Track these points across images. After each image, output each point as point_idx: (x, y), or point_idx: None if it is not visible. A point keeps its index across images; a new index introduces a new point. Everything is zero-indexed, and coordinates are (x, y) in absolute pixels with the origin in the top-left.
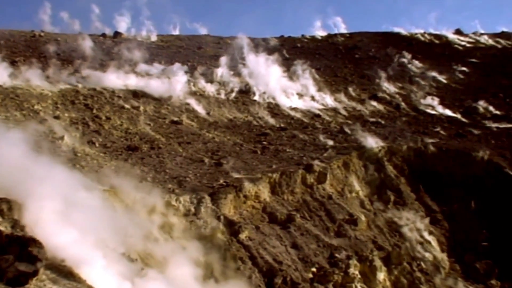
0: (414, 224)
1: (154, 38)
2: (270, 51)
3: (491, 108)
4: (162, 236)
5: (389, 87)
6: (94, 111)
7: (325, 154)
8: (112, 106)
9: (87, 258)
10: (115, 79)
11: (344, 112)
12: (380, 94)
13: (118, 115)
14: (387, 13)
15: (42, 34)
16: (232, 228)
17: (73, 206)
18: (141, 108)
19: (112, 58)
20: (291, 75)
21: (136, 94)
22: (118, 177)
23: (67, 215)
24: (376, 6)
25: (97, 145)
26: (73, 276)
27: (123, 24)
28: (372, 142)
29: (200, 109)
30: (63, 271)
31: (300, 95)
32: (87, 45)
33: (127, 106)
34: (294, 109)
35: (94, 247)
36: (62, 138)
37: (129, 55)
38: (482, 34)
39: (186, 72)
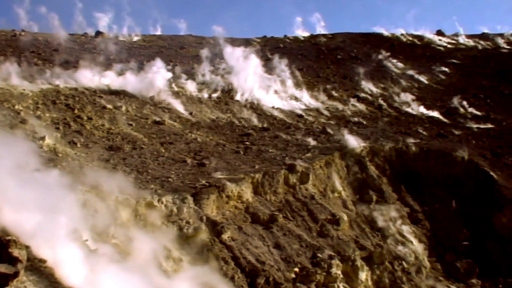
0: (396, 224)
1: (136, 38)
2: (252, 51)
3: (471, 108)
4: (144, 236)
5: (371, 88)
6: (76, 111)
7: (307, 154)
8: (94, 106)
9: (66, 257)
10: (97, 79)
11: (326, 113)
12: (362, 95)
13: (99, 115)
14: (366, 12)
15: (22, 33)
16: (215, 228)
17: (53, 207)
18: (123, 108)
19: (94, 58)
20: (274, 76)
21: (118, 94)
22: (99, 178)
23: (47, 216)
24: (355, 5)
25: (78, 145)
26: (54, 277)
27: (103, 21)
28: (354, 142)
29: (182, 109)
30: (44, 273)
31: (283, 96)
32: (68, 44)
33: (109, 106)
34: (277, 109)
35: (74, 247)
36: (43, 138)
37: (110, 55)
38: (462, 35)
39: (168, 72)
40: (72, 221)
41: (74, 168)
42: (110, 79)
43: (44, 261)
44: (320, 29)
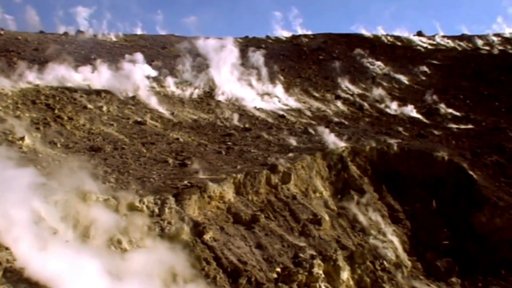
0: (377, 224)
1: (117, 37)
2: (234, 51)
3: (450, 109)
4: (125, 237)
5: (353, 88)
6: (56, 111)
7: (289, 155)
8: (75, 106)
9: (46, 258)
10: (77, 79)
11: (308, 113)
12: (344, 95)
13: (80, 115)
14: (344, 9)
15: (2, 32)
16: (197, 229)
17: (33, 208)
18: (104, 108)
19: (74, 57)
20: (255, 76)
21: (99, 94)
22: (80, 178)
23: (27, 216)
24: (332, 2)
25: (59, 145)
26: (33, 280)
27: (83, 14)
28: (335, 142)
29: (164, 109)
30: (22, 275)
31: (265, 96)
32: (48, 44)
33: (89, 106)
34: (259, 109)
35: (55, 248)
36: (22, 138)
37: (91, 54)
38: (441, 36)
39: (150, 72)
40: (53, 222)
41: (55, 168)
42: (91, 79)
43: (23, 263)
44: (299, 29)
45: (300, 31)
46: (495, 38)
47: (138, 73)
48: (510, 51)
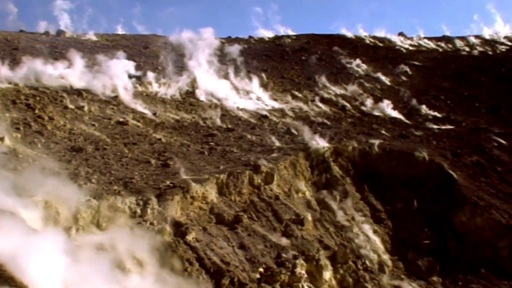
0: (359, 223)
1: (99, 37)
2: (217, 51)
3: (431, 110)
4: (107, 238)
5: (335, 89)
6: (37, 111)
7: (272, 155)
8: (55, 106)
9: (27, 260)
10: (58, 79)
11: (290, 113)
12: (326, 96)
13: (61, 115)
14: (323, 6)
15: None
16: (179, 229)
17: (14, 209)
18: (86, 108)
19: (56, 57)
20: (239, 76)
21: (80, 94)
22: (61, 179)
23: (7, 218)
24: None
25: (39, 146)
26: (15, 281)
27: (64, 16)
28: (318, 142)
29: (146, 109)
30: (3, 276)
31: (248, 96)
32: (29, 43)
33: (71, 106)
34: (241, 110)
35: (36, 250)
36: (2, 139)
37: (73, 54)
38: (424, 37)
39: (132, 72)
40: (33, 224)
41: (35, 169)
42: (72, 79)
43: (3, 265)
44: (280, 27)
45: (281, 29)
46: (475, 40)
47: (120, 73)
48: (490, 53)
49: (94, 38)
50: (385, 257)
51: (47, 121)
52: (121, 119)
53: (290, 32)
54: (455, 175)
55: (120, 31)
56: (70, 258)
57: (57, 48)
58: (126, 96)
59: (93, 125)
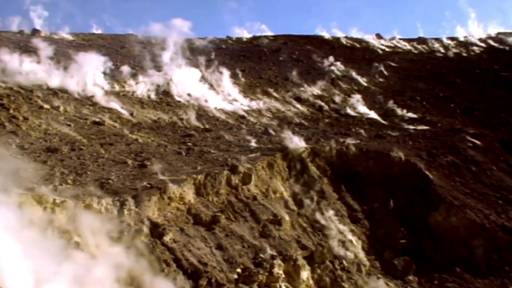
0: (336, 223)
1: (75, 36)
2: (194, 52)
3: (408, 110)
4: (83, 240)
5: (312, 89)
6: (11, 111)
7: (250, 155)
8: (30, 106)
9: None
10: (33, 78)
11: (268, 114)
12: (304, 96)
13: (36, 115)
14: (298, 4)
15: None
16: (156, 230)
17: None
18: (61, 108)
19: (30, 56)
20: (216, 76)
21: (56, 93)
22: (36, 180)
23: None
24: None
25: (14, 146)
26: None
27: (38, 15)
28: (295, 143)
29: (123, 109)
30: None
31: (225, 96)
32: (3, 42)
33: (46, 106)
34: (219, 110)
35: (10, 252)
36: None
37: (48, 53)
38: (400, 39)
39: (108, 72)
40: (7, 225)
41: (9, 170)
42: (48, 78)
43: None
44: (255, 25)
45: (255, 25)
46: (450, 42)
47: (96, 73)
48: (465, 54)
49: (69, 37)
50: (362, 256)
51: (21, 121)
52: (97, 119)
53: (264, 28)
54: (430, 175)
55: (95, 30)
56: (42, 257)
57: (32, 47)
58: (102, 96)
59: (69, 125)
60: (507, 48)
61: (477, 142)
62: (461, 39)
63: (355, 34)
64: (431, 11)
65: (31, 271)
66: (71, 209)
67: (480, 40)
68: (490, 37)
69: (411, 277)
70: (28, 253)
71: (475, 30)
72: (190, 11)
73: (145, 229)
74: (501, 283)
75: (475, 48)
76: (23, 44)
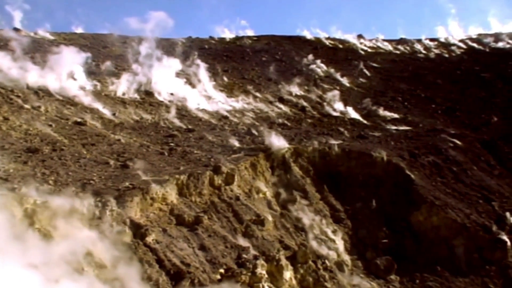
0: (319, 223)
1: (56, 35)
2: (177, 52)
3: (390, 111)
4: (64, 241)
5: (295, 90)
6: None
7: (232, 156)
8: (11, 106)
9: None
10: (13, 78)
11: (251, 114)
12: (286, 97)
13: (17, 115)
14: (277, 3)
15: None
16: (139, 231)
17: None
18: (42, 108)
19: (10, 55)
20: (199, 76)
21: (37, 93)
22: (17, 181)
23: None
24: None
25: None
26: None
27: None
28: (278, 143)
29: (105, 109)
30: None
31: (208, 97)
32: None
33: (27, 106)
34: (202, 110)
35: None
36: None
37: (28, 52)
38: (382, 39)
39: (90, 72)
40: None
41: None
42: (28, 78)
43: None
44: (235, 21)
45: (236, 23)
46: (431, 43)
47: (78, 73)
48: (446, 55)
49: (50, 37)
50: (345, 256)
51: (1, 121)
52: (79, 119)
53: (245, 24)
54: (412, 175)
55: (75, 28)
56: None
57: (11, 47)
58: (84, 96)
59: (50, 125)
60: (487, 49)
61: (458, 142)
62: (442, 40)
63: (335, 31)
64: (411, 8)
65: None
66: (53, 209)
67: (461, 41)
68: (470, 38)
69: (393, 277)
70: (7, 252)
71: (456, 30)
72: (170, 7)
73: (128, 230)
74: (482, 282)
75: (456, 49)
76: (3, 44)
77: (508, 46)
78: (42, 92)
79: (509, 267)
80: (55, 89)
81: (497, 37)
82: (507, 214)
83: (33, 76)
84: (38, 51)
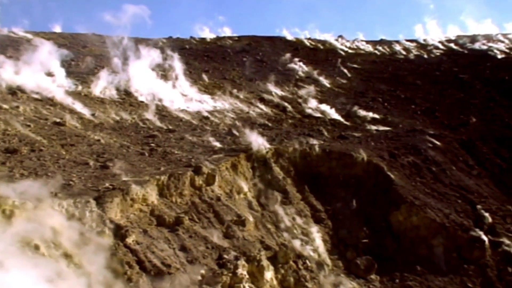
0: (300, 224)
1: (34, 35)
2: (157, 51)
3: (370, 112)
4: (43, 243)
5: (276, 90)
6: None
7: (213, 156)
8: None
9: None
10: None
11: (232, 115)
12: (267, 97)
13: None
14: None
15: None
16: (119, 232)
17: None
18: (21, 108)
19: None
20: (179, 77)
21: (15, 93)
22: None
23: None
24: None
25: None
26: None
27: None
28: (259, 144)
29: (84, 110)
30: None
31: (188, 97)
32: None
33: (5, 106)
34: (182, 110)
35: None
36: None
37: (5, 52)
38: (362, 40)
39: (70, 71)
40: None
41: None
42: (6, 78)
43: None
44: (212, 18)
45: (214, 19)
46: (411, 44)
47: (58, 72)
48: (425, 56)
49: (29, 36)
50: (325, 256)
51: None
52: (58, 120)
53: (222, 19)
54: (392, 176)
55: (54, 28)
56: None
57: None
58: (63, 96)
59: (29, 125)
60: (466, 51)
61: (437, 142)
62: (421, 41)
63: (313, 29)
64: (388, 5)
65: None
66: (31, 211)
67: (440, 42)
68: (449, 40)
69: (373, 276)
70: None
71: (434, 29)
72: (147, 2)
73: (108, 231)
74: (461, 281)
75: (435, 50)
76: None
77: (484, 47)
78: (20, 92)
79: (488, 266)
80: (34, 89)
81: (473, 38)
82: (486, 213)
83: (11, 75)
84: (16, 50)
